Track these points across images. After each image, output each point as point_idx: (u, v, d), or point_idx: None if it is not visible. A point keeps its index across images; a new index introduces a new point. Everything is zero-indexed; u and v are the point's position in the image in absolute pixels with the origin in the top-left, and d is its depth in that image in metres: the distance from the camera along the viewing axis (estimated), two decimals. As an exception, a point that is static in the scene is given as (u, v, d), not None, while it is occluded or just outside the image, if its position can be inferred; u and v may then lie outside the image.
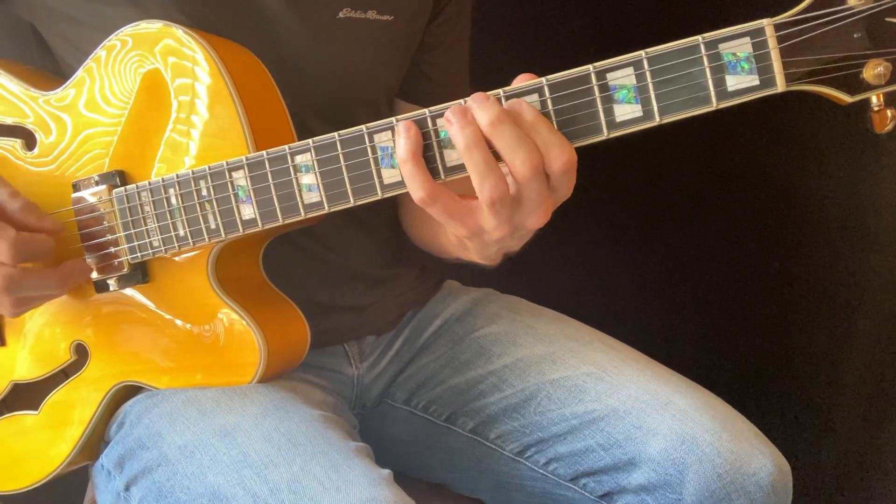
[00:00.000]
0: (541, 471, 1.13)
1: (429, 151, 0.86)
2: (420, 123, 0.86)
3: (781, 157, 1.65)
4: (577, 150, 0.84)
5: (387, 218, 1.27)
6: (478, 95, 0.83)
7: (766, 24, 0.77)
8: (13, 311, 0.98)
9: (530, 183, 0.82)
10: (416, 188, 0.85)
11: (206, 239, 0.98)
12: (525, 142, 0.81)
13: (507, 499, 1.19)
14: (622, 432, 1.07)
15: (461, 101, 0.84)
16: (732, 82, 0.78)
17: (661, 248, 1.78)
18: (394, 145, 0.87)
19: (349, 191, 0.90)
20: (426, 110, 0.86)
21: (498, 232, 0.86)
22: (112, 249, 1.03)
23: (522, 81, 0.84)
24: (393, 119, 0.87)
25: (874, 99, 0.77)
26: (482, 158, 0.82)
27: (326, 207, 0.92)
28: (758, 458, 1.03)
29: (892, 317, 1.58)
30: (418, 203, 0.85)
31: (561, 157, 0.81)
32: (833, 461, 1.70)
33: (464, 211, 0.85)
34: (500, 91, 0.84)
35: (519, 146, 0.81)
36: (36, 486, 1.11)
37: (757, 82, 0.78)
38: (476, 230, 0.87)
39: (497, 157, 0.83)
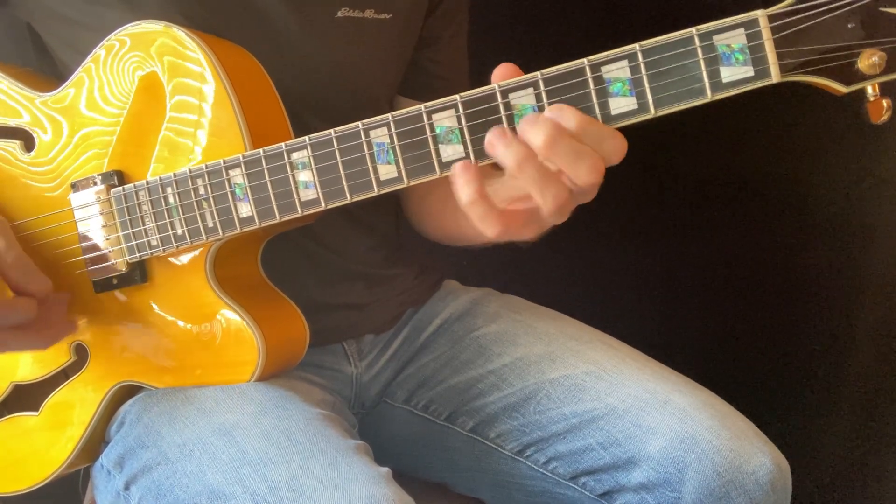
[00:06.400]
0: (540, 470, 1.13)
1: (424, 148, 0.87)
2: (415, 119, 0.86)
3: (781, 157, 1.65)
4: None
5: (386, 217, 1.27)
6: (528, 117, 0.81)
7: (760, 15, 0.77)
8: None
9: (598, 184, 0.81)
10: (491, 226, 0.82)
11: (204, 238, 0.98)
12: (584, 153, 0.79)
13: (506, 498, 1.19)
14: (622, 431, 1.07)
15: (456, 96, 0.85)
16: (727, 74, 0.78)
17: (660, 247, 1.78)
18: (389, 141, 0.88)
19: (345, 187, 0.91)
20: (421, 106, 0.86)
21: (558, 221, 0.85)
22: (110, 249, 1.03)
23: (503, 71, 0.84)
24: (388, 115, 0.87)
25: (869, 89, 0.77)
26: (536, 171, 0.80)
27: (323, 204, 0.92)
28: (757, 456, 1.03)
29: (892, 316, 1.58)
30: (494, 237, 0.83)
31: (617, 150, 0.80)
32: (833, 460, 1.70)
33: (526, 221, 0.85)
34: (495, 86, 0.84)
35: (579, 158, 0.79)
36: (37, 487, 1.11)
37: (751, 73, 0.78)
38: (538, 230, 0.87)
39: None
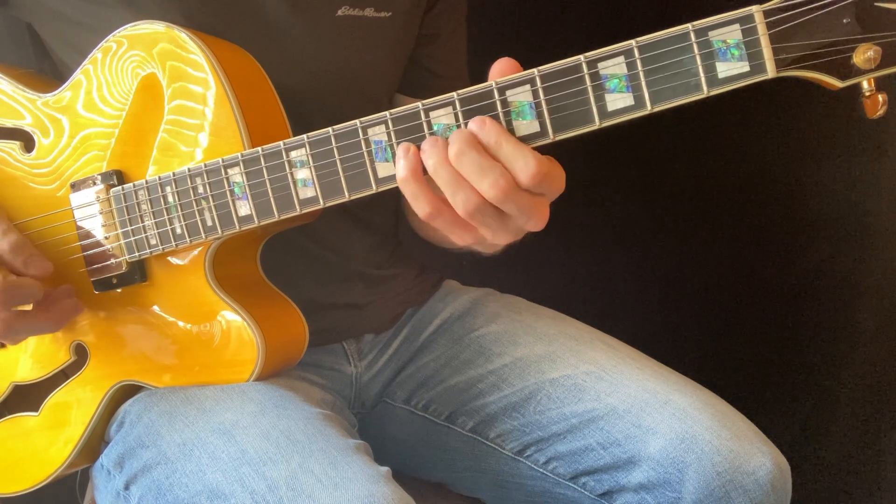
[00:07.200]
0: (540, 470, 1.13)
1: None
2: (413, 116, 0.86)
3: (782, 157, 1.65)
4: (574, 140, 0.84)
5: (386, 217, 1.27)
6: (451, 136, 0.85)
7: (756, 10, 0.77)
8: (10, 344, 1.04)
9: (506, 203, 0.83)
10: (422, 205, 0.86)
11: (203, 236, 0.99)
12: (489, 168, 0.82)
13: (506, 498, 1.19)
14: (622, 431, 1.07)
15: (454, 93, 0.85)
16: (723, 69, 0.78)
17: (660, 247, 1.78)
18: (387, 139, 0.88)
19: (344, 185, 0.91)
20: (419, 104, 0.86)
21: (499, 239, 0.87)
22: (110, 249, 1.03)
23: (501, 66, 0.85)
24: (386, 113, 0.88)
25: (865, 84, 0.77)
26: (448, 175, 0.83)
27: (322, 202, 0.92)
28: (757, 456, 1.03)
29: (892, 316, 1.58)
30: (423, 218, 0.86)
31: (526, 170, 0.82)
32: (833, 461, 1.69)
33: (457, 220, 0.86)
34: (492, 83, 0.84)
35: (483, 174, 0.82)
36: (37, 487, 1.11)
37: (747, 68, 0.78)
38: (479, 239, 0.88)
39: None
